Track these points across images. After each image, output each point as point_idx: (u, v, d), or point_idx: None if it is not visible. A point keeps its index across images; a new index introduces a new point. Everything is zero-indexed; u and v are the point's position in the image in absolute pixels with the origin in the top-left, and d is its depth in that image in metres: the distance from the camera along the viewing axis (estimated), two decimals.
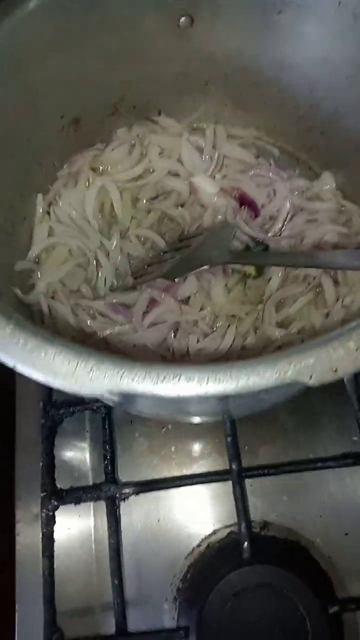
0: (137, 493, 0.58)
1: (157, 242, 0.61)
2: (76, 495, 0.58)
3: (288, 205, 0.59)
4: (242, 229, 0.58)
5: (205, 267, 0.52)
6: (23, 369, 0.32)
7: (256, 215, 0.60)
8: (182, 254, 0.57)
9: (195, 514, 0.63)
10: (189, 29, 0.54)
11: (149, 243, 0.62)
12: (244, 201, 0.60)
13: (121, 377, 0.31)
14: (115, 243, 0.60)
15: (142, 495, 0.62)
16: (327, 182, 0.62)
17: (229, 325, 0.55)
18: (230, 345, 0.54)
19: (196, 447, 0.66)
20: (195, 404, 0.44)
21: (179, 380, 0.32)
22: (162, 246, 0.61)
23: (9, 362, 0.32)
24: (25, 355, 0.32)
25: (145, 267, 0.60)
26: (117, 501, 0.58)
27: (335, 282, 0.56)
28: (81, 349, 0.33)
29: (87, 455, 0.66)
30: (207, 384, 0.32)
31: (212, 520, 0.63)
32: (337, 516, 0.63)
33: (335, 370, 0.32)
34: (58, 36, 0.49)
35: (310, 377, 0.32)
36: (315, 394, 0.68)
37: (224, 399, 0.39)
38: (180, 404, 0.43)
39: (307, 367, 0.32)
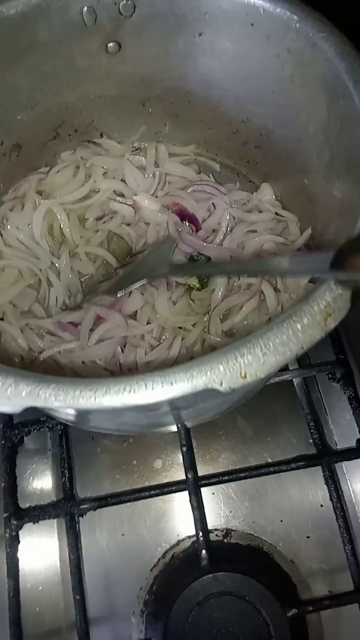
0: (95, 508, 0.59)
1: (107, 260, 0.63)
2: (34, 514, 0.58)
3: (227, 217, 0.61)
4: (184, 239, 0.60)
5: (144, 281, 0.54)
6: None
7: (197, 229, 0.62)
8: (125, 270, 0.58)
9: (159, 525, 0.64)
10: (118, 53, 0.56)
11: (99, 261, 0.64)
12: (185, 216, 0.62)
13: (38, 393, 0.33)
14: (65, 262, 0.62)
15: (105, 510, 0.63)
16: (266, 194, 0.64)
17: (174, 337, 0.56)
18: (177, 357, 0.55)
19: (158, 459, 0.67)
20: (135, 416, 0.45)
21: (94, 392, 0.33)
22: (113, 263, 0.63)
23: None
24: None
25: (98, 284, 0.61)
26: (75, 517, 0.59)
27: (275, 289, 0.57)
28: (1, 369, 0.34)
29: (50, 473, 0.67)
30: (122, 395, 0.33)
31: (175, 531, 0.64)
32: (298, 520, 0.64)
33: (245, 376, 0.33)
34: None
35: (221, 383, 0.33)
36: (273, 401, 0.69)
37: (155, 409, 0.40)
38: (117, 417, 0.44)
39: (218, 374, 0.33)
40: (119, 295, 0.55)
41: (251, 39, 0.51)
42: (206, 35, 0.53)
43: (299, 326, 0.34)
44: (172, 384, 0.33)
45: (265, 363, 0.33)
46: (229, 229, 0.61)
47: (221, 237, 0.61)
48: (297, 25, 0.48)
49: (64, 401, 0.32)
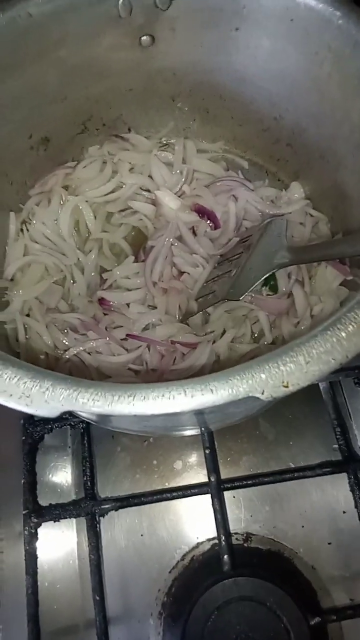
0: (116, 509, 0.58)
1: (126, 251, 0.63)
2: (55, 512, 0.58)
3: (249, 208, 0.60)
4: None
5: (267, 274, 0.50)
6: None
7: (216, 226, 0.61)
8: (236, 266, 0.54)
9: (179, 527, 0.63)
10: (150, 47, 0.54)
11: (123, 256, 0.63)
12: (204, 212, 0.61)
13: (76, 398, 0.32)
14: (92, 258, 0.61)
15: (125, 510, 0.62)
16: (296, 192, 0.62)
17: (207, 342, 0.55)
18: (204, 363, 0.54)
19: (178, 460, 0.67)
20: (163, 419, 0.45)
21: (133, 399, 0.32)
22: (130, 255, 0.62)
23: None
24: None
25: (204, 284, 0.59)
26: (96, 517, 0.59)
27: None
28: (37, 371, 0.33)
29: (70, 471, 0.66)
30: (161, 401, 0.32)
31: (195, 533, 0.63)
32: (320, 525, 0.63)
33: (287, 385, 0.32)
34: (15, 56, 0.49)
35: (263, 392, 0.32)
36: (295, 405, 0.68)
37: (187, 414, 0.39)
38: (147, 420, 0.44)
39: (259, 383, 0.32)
40: (241, 299, 0.52)
41: (289, 35, 0.50)
42: (242, 30, 0.52)
43: (343, 334, 0.33)
44: (212, 391, 0.32)
45: (308, 372, 0.32)
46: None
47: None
48: (340, 21, 0.47)
49: (102, 407, 0.32)
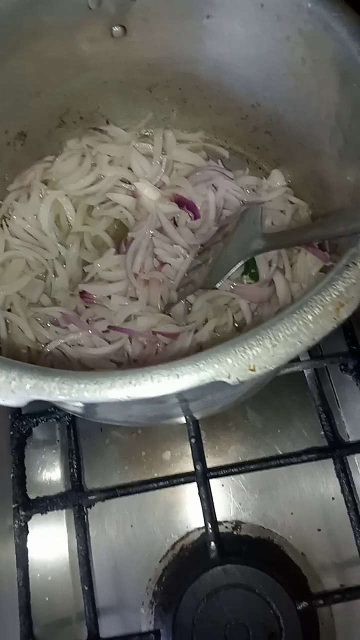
0: (102, 500, 0.59)
1: (107, 244, 0.63)
2: (42, 505, 0.58)
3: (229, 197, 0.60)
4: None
5: (241, 262, 0.50)
6: None
7: (196, 216, 0.61)
8: (215, 253, 0.54)
9: (169, 517, 0.64)
10: (123, 37, 0.54)
11: (104, 248, 0.63)
12: (183, 203, 0.61)
13: (42, 387, 0.32)
14: (74, 252, 0.61)
15: (114, 502, 0.63)
16: (277, 180, 0.62)
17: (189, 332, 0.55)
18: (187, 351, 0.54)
19: (167, 451, 0.67)
20: (143, 408, 0.45)
21: (99, 386, 0.32)
22: (111, 247, 0.62)
23: None
24: None
25: (185, 275, 0.59)
26: (84, 508, 0.59)
27: None
28: (3, 362, 0.33)
29: (59, 464, 0.67)
30: (127, 387, 0.32)
31: (185, 523, 0.63)
32: (309, 512, 0.63)
33: (253, 369, 0.32)
34: None
35: (229, 376, 0.32)
36: (284, 393, 0.68)
37: (162, 401, 0.40)
38: (124, 409, 0.44)
39: (226, 367, 0.32)
40: (218, 287, 0.52)
41: (261, 21, 0.49)
42: (214, 17, 0.52)
43: (310, 317, 0.33)
44: (178, 376, 0.32)
45: (275, 355, 0.32)
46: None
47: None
48: (309, 5, 0.46)
49: (69, 394, 0.32)
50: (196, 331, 0.56)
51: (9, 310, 0.57)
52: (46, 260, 0.60)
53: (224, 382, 0.32)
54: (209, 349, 0.33)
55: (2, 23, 0.48)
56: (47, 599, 0.62)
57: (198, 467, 0.58)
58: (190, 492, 0.63)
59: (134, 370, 0.33)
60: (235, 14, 0.51)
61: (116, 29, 0.53)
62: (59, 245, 0.61)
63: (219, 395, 0.47)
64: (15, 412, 0.64)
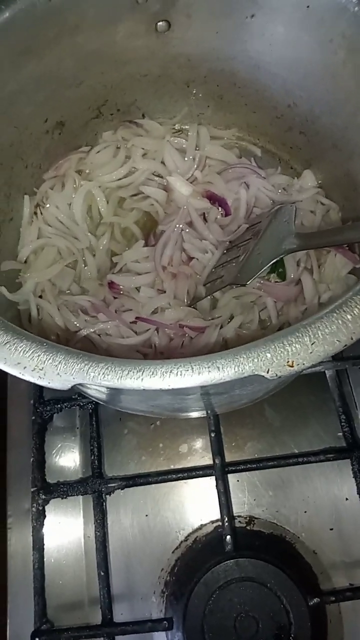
0: (122, 488, 0.60)
1: (137, 236, 0.64)
2: (63, 490, 0.60)
3: (260, 196, 0.61)
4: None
5: (274, 261, 0.51)
6: None
7: (227, 213, 0.61)
8: (245, 251, 0.55)
9: (183, 508, 0.65)
10: (166, 32, 0.55)
11: (133, 240, 0.64)
12: (214, 199, 0.61)
13: (87, 371, 0.33)
14: (105, 242, 0.62)
15: (130, 491, 0.64)
16: (308, 180, 0.63)
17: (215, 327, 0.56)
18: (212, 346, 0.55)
19: (184, 444, 0.68)
20: (170, 399, 0.46)
21: (142, 374, 0.33)
22: (140, 239, 0.63)
23: None
24: None
25: (212, 270, 0.59)
26: (103, 495, 0.60)
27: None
28: (50, 345, 0.34)
29: (78, 451, 0.68)
30: (169, 377, 0.33)
31: (199, 515, 0.64)
32: (322, 511, 0.64)
33: (291, 364, 0.33)
34: (33, 41, 0.50)
35: (268, 370, 0.33)
36: (302, 392, 0.69)
37: (194, 392, 0.40)
38: (154, 398, 0.45)
39: (265, 362, 0.33)
40: (248, 284, 0.53)
41: (304, 22, 0.50)
42: (258, 17, 0.52)
43: (349, 317, 0.34)
44: (219, 368, 0.33)
45: (313, 352, 0.33)
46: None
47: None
48: (356, 9, 0.47)
49: (112, 381, 0.33)
50: (222, 326, 0.57)
51: (40, 297, 0.58)
52: (77, 249, 0.61)
53: (261, 377, 0.33)
54: (248, 344, 0.34)
55: (48, 15, 0.49)
56: (60, 582, 0.63)
57: (217, 461, 0.59)
58: (206, 485, 0.64)
59: (175, 361, 0.33)
60: (278, 15, 0.51)
61: (160, 23, 0.54)
62: (89, 235, 0.62)
63: (247, 390, 0.47)
64: (38, 397, 0.65)
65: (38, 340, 0.34)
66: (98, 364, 0.33)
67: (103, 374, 0.33)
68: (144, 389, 0.33)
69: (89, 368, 0.33)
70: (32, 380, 0.33)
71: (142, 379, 0.33)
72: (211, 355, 0.34)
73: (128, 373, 0.33)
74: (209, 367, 0.33)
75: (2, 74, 0.48)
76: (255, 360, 0.33)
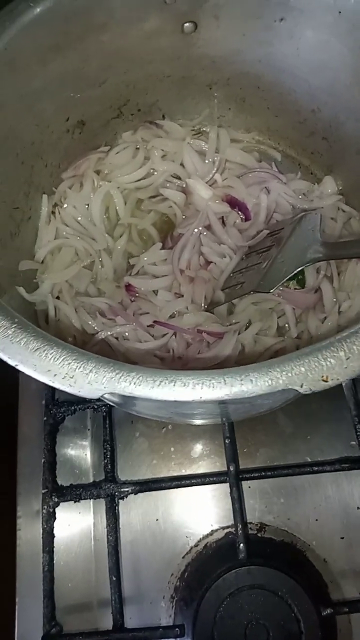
0: (135, 492, 0.59)
1: (154, 238, 0.63)
2: (76, 493, 0.59)
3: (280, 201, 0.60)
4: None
5: (299, 269, 0.50)
6: (25, 368, 0.33)
7: (247, 218, 0.61)
8: (265, 259, 0.54)
9: (194, 514, 0.64)
10: (192, 33, 0.54)
11: (150, 242, 0.63)
12: (234, 204, 0.61)
13: (119, 380, 0.32)
14: (122, 244, 0.62)
15: (141, 494, 0.63)
16: (329, 186, 0.62)
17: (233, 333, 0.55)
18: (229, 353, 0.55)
19: (195, 448, 0.67)
20: (193, 408, 0.45)
21: (174, 385, 0.32)
22: (157, 242, 0.62)
23: (12, 361, 0.33)
24: (28, 356, 0.33)
25: (230, 275, 0.59)
26: (116, 499, 0.59)
27: None
28: (81, 353, 0.33)
29: (88, 453, 0.67)
30: (201, 389, 0.32)
31: (209, 521, 0.64)
32: (333, 520, 0.64)
33: (326, 379, 0.32)
34: (60, 38, 0.49)
35: (302, 385, 0.32)
36: (314, 399, 0.68)
37: (219, 403, 0.40)
38: (177, 407, 0.44)
39: (299, 375, 0.32)
40: (271, 292, 0.52)
41: (335, 28, 0.49)
42: (287, 21, 0.51)
43: None
44: (252, 381, 0.32)
45: (348, 368, 0.33)
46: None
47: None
48: None
49: (143, 391, 0.32)
50: (239, 332, 0.56)
51: (57, 298, 0.57)
52: (94, 250, 0.60)
53: (294, 391, 0.33)
54: (282, 357, 0.33)
55: (76, 12, 0.48)
56: (69, 585, 0.62)
57: (231, 468, 0.58)
58: (217, 491, 0.64)
59: (207, 372, 0.33)
60: (308, 19, 0.51)
61: (187, 24, 0.53)
62: (107, 236, 0.61)
63: (269, 400, 0.47)
64: (51, 398, 0.64)
65: (69, 347, 0.34)
66: (129, 374, 0.32)
67: (134, 384, 0.32)
68: (175, 400, 0.32)
69: (120, 377, 0.32)
70: (62, 388, 0.33)
71: (174, 390, 0.32)
72: (244, 368, 0.33)
73: (160, 384, 0.32)
74: (241, 380, 0.32)
75: (29, 70, 0.47)
76: (289, 374, 0.32)
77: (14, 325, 0.34)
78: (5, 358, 0.33)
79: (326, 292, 0.56)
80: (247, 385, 0.32)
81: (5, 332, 0.34)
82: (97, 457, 0.66)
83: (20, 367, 0.33)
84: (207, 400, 0.32)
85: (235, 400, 0.32)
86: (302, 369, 0.32)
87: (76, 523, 0.64)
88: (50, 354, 0.33)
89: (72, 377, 0.32)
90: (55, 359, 0.33)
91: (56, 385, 0.32)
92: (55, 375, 0.32)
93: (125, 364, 0.33)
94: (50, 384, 0.32)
